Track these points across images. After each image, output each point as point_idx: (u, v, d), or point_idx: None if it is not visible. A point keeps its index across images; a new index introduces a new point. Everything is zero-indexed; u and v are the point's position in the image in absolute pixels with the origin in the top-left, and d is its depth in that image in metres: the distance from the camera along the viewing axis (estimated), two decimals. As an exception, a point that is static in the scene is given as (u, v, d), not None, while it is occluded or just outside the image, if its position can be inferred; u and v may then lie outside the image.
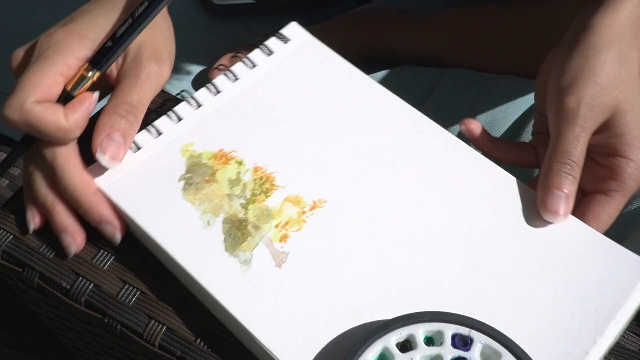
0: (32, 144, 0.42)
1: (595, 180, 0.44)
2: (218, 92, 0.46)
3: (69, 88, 0.41)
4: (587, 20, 0.43)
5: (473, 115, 0.59)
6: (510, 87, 0.60)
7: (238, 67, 0.47)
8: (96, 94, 0.42)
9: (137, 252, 0.42)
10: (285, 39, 0.48)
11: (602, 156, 0.44)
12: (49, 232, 0.42)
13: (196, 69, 0.67)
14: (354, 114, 0.45)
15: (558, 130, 0.43)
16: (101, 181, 0.42)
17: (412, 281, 0.38)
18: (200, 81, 0.67)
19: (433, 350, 0.34)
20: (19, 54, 0.43)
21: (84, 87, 0.41)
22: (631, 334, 0.40)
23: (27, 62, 0.41)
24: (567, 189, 0.42)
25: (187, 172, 0.42)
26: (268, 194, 0.41)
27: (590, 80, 0.43)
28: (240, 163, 0.43)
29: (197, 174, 0.42)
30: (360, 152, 0.43)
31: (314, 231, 0.40)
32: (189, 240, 0.39)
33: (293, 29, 0.49)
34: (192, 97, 0.45)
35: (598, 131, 0.44)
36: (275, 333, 0.36)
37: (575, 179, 0.43)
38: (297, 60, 0.47)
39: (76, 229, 0.41)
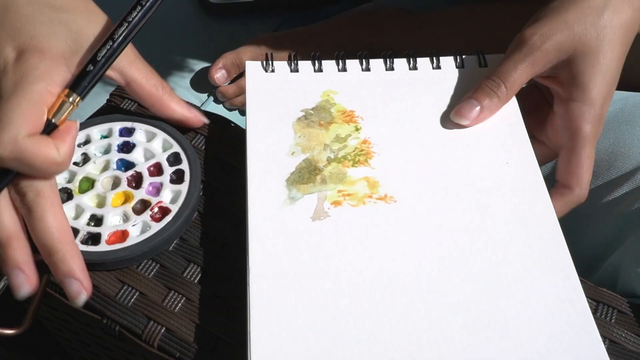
0: (12, 178, 0.38)
1: (557, 132, 0.45)
2: (392, 69, 0.49)
3: (50, 116, 0.38)
4: None
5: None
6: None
7: (421, 61, 0.49)
8: (78, 122, 0.39)
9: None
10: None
11: (562, 103, 0.44)
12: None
13: (195, 68, 0.67)
14: (481, 151, 0.44)
15: (505, 57, 0.44)
16: (253, 69, 0.48)
17: (411, 299, 0.37)
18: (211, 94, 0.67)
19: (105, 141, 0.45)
20: None
21: (66, 114, 0.39)
22: (632, 334, 0.39)
23: None
24: (485, 101, 0.44)
25: (313, 109, 0.46)
26: (356, 165, 0.43)
27: (548, 19, 0.43)
28: (357, 129, 0.45)
29: (318, 115, 0.46)
30: (458, 185, 0.42)
31: (364, 216, 0.41)
32: (267, 154, 0.43)
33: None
34: (369, 61, 0.49)
35: (556, 72, 0.44)
36: (267, 267, 0.38)
37: (498, 97, 0.44)
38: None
39: (32, 271, 0.37)
